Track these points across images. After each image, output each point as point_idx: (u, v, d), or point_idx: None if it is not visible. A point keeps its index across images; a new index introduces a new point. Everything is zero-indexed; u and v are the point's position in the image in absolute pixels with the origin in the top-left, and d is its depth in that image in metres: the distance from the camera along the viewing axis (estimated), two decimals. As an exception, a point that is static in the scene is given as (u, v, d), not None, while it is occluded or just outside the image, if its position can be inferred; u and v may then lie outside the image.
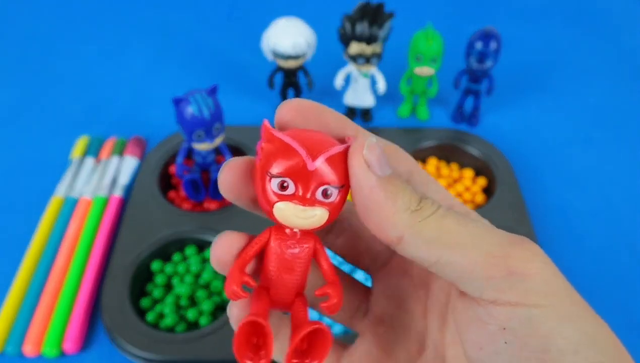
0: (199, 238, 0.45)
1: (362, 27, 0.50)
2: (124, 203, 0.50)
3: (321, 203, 0.18)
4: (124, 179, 0.52)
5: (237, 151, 0.52)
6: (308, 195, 0.18)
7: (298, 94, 0.59)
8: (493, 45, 0.52)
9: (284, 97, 0.58)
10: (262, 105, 0.61)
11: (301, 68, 0.55)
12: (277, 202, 0.18)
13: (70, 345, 0.40)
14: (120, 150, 0.54)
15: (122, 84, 0.64)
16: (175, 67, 0.67)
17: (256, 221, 0.48)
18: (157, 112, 0.60)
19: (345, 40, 0.51)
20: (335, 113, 0.19)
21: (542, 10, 0.78)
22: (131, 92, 0.63)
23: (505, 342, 0.16)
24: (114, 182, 0.52)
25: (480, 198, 0.50)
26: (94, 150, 0.54)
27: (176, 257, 0.45)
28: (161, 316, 0.41)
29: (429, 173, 0.51)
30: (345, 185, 0.19)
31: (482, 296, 0.16)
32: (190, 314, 0.41)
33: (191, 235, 0.45)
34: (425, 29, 0.52)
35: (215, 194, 0.49)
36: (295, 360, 0.19)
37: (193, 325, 0.41)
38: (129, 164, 0.53)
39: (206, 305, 0.41)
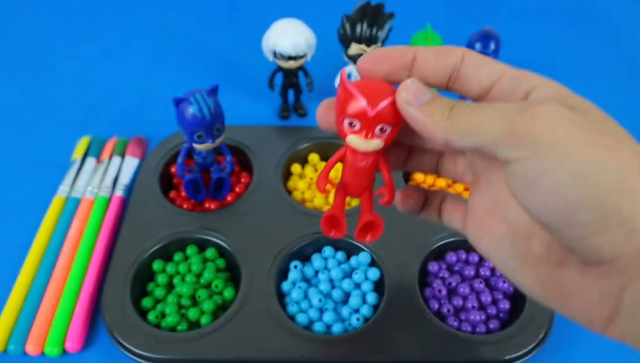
0: (199, 238, 0.45)
1: (361, 28, 0.50)
2: (125, 203, 0.50)
3: (379, 137, 0.26)
4: (125, 179, 0.52)
5: (237, 151, 0.52)
6: (369, 133, 0.26)
7: (298, 94, 0.59)
8: (492, 45, 0.52)
9: (284, 97, 0.59)
10: (263, 105, 0.61)
11: (301, 68, 0.56)
12: (349, 135, 0.26)
13: (72, 344, 0.40)
14: (121, 150, 0.55)
15: (123, 84, 0.65)
16: (175, 67, 0.67)
17: (256, 221, 0.48)
18: (157, 112, 0.61)
19: (345, 41, 0.52)
20: (396, 60, 0.26)
21: (541, 11, 0.78)
22: (132, 92, 0.64)
23: (525, 186, 0.21)
24: (115, 182, 0.52)
25: (479, 198, 0.50)
26: (95, 150, 0.55)
27: (177, 256, 0.45)
28: (162, 315, 0.41)
29: (429, 174, 0.51)
30: (397, 123, 0.26)
31: (508, 159, 0.21)
32: (192, 314, 0.41)
33: (192, 235, 0.45)
34: (424, 29, 0.53)
35: (216, 194, 0.49)
36: (361, 235, 0.31)
37: (194, 325, 0.41)
38: (130, 164, 0.53)
39: (207, 305, 0.41)
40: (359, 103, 0.26)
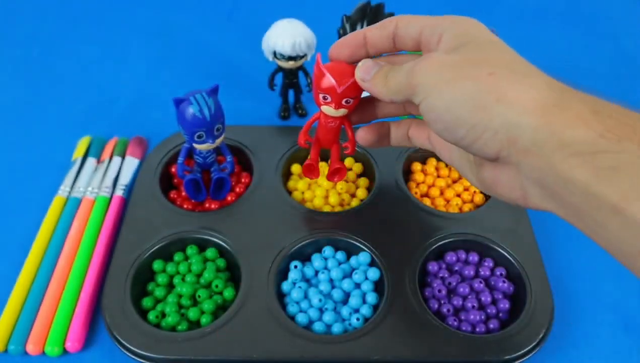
0: (199, 238, 0.45)
1: (361, 28, 0.50)
2: (125, 203, 0.51)
3: (344, 106, 0.38)
4: (126, 179, 0.52)
5: (238, 151, 0.52)
6: (337, 105, 0.37)
7: (298, 94, 0.59)
8: (492, 46, 0.52)
9: (284, 97, 0.59)
10: (263, 105, 0.61)
11: (301, 69, 0.56)
12: (322, 105, 0.38)
13: (72, 343, 0.40)
14: (121, 151, 0.55)
15: (123, 85, 0.65)
16: (176, 67, 0.67)
17: (256, 221, 0.48)
18: (158, 113, 0.61)
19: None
20: (352, 43, 0.36)
21: (540, 12, 0.78)
22: (132, 93, 0.64)
23: (427, 118, 0.30)
24: (115, 182, 0.52)
25: (479, 198, 0.50)
26: (95, 150, 0.55)
27: (177, 256, 0.45)
28: (163, 315, 0.41)
29: (429, 173, 0.52)
30: (357, 96, 0.38)
31: (416, 103, 0.30)
32: (192, 313, 0.41)
33: (192, 235, 0.45)
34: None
35: (216, 194, 0.49)
36: (331, 178, 0.44)
37: (194, 325, 0.41)
38: (131, 164, 0.53)
39: (207, 305, 0.41)
40: (330, 82, 0.36)
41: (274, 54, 0.53)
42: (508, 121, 0.26)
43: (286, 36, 0.51)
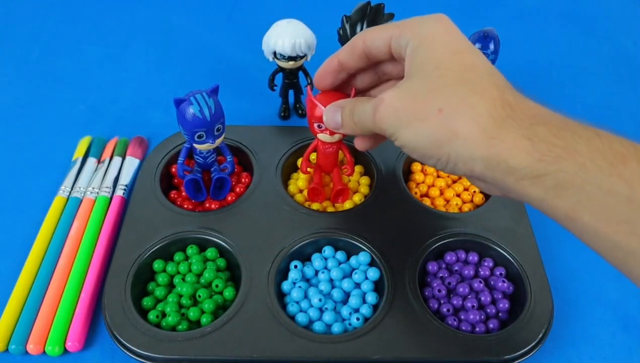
0: (200, 237, 0.45)
1: (361, 29, 0.50)
2: (126, 203, 0.51)
3: (338, 133, 0.41)
4: (126, 179, 0.52)
5: (238, 151, 0.52)
6: (331, 131, 0.41)
7: (298, 95, 0.59)
8: (491, 46, 0.52)
9: (284, 98, 0.59)
10: (263, 105, 0.61)
11: (301, 69, 0.56)
12: (318, 133, 0.43)
13: (72, 343, 0.40)
14: (122, 151, 0.55)
15: (124, 85, 0.65)
16: (176, 67, 0.67)
17: (256, 221, 0.48)
18: (158, 113, 0.61)
19: (345, 41, 0.52)
20: (329, 71, 0.39)
21: (540, 12, 0.78)
22: (133, 93, 0.64)
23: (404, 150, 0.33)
24: (116, 182, 0.52)
25: (479, 198, 0.50)
26: (96, 150, 0.55)
27: (177, 256, 0.45)
28: (163, 315, 0.41)
29: (429, 173, 0.52)
30: None
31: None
32: (192, 313, 0.41)
33: (192, 235, 0.45)
34: (424, 30, 0.53)
35: (216, 194, 0.49)
36: (335, 200, 0.48)
37: (195, 324, 0.42)
38: (131, 164, 0.53)
39: (208, 304, 0.41)
40: (322, 111, 0.39)
41: (274, 54, 0.53)
42: (463, 155, 0.29)
43: (286, 36, 0.51)
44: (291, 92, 0.59)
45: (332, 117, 0.37)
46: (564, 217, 0.27)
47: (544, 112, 0.29)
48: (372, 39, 0.35)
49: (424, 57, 0.31)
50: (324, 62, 0.38)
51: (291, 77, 0.56)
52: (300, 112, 0.60)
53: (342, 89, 0.41)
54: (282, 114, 0.60)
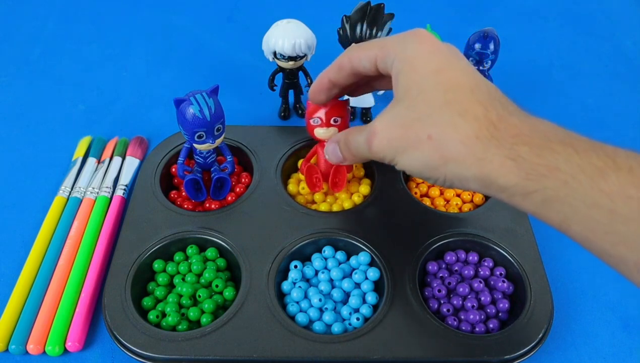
0: (200, 237, 0.45)
1: (361, 29, 0.50)
2: (126, 203, 0.51)
3: (334, 125, 0.45)
4: (126, 179, 0.52)
5: (238, 151, 0.52)
6: (327, 124, 0.45)
7: (298, 95, 0.59)
8: (491, 46, 0.52)
9: (284, 98, 0.59)
10: (263, 105, 0.61)
11: (301, 69, 0.56)
12: (315, 128, 0.45)
13: (72, 343, 0.40)
14: (122, 151, 0.55)
15: (124, 85, 0.65)
16: (176, 67, 0.68)
17: (256, 221, 0.48)
18: (158, 113, 0.61)
19: (345, 42, 0.52)
20: (322, 89, 0.41)
21: (540, 12, 0.78)
22: (133, 93, 0.64)
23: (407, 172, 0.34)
24: (116, 182, 0.52)
25: (479, 198, 0.50)
26: (96, 150, 0.55)
27: (178, 256, 0.45)
28: (163, 315, 0.41)
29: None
30: (343, 117, 0.45)
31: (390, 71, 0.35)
32: (192, 313, 0.41)
33: (192, 235, 0.45)
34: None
35: (216, 194, 0.49)
36: (332, 186, 0.48)
37: (195, 324, 0.42)
38: (131, 164, 0.53)
39: (208, 305, 0.41)
40: (319, 106, 0.44)
41: (274, 54, 0.53)
42: (457, 176, 0.31)
43: (286, 37, 0.51)
44: (291, 92, 0.59)
45: (333, 153, 0.39)
46: (558, 227, 0.29)
47: (526, 128, 0.29)
48: (358, 58, 0.36)
49: (408, 81, 0.32)
50: (316, 79, 0.40)
51: (291, 77, 0.56)
52: (300, 112, 0.60)
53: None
54: (282, 114, 0.60)
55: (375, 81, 0.40)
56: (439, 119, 0.30)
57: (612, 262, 0.29)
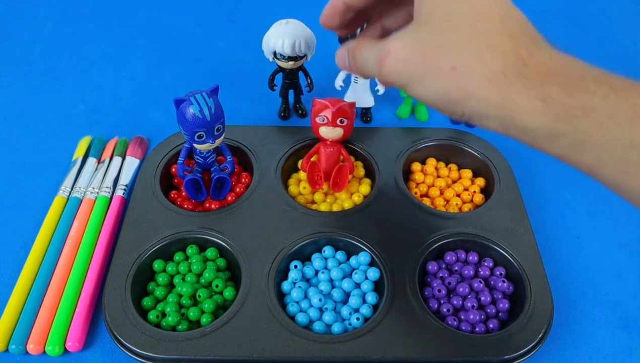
0: (200, 237, 0.45)
1: (361, 29, 0.50)
2: (126, 203, 0.51)
3: (340, 126, 0.47)
4: (126, 179, 0.52)
5: (238, 151, 0.52)
6: (333, 123, 0.46)
7: (298, 95, 0.59)
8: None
9: (284, 98, 0.59)
10: (263, 105, 0.61)
11: (301, 69, 0.56)
12: (321, 127, 0.47)
13: (73, 343, 0.40)
14: (122, 151, 0.55)
15: (124, 85, 0.65)
16: (176, 67, 0.68)
17: (256, 221, 0.48)
18: (158, 113, 0.61)
19: (345, 42, 0.52)
20: (336, 11, 0.37)
21: (540, 12, 0.78)
22: (133, 93, 0.64)
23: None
24: (116, 182, 0.52)
25: (478, 198, 0.50)
26: (96, 150, 0.55)
27: (178, 256, 0.45)
28: (163, 315, 0.41)
29: (429, 173, 0.52)
30: (350, 118, 0.47)
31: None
32: (192, 313, 0.41)
33: (192, 235, 0.45)
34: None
35: (216, 194, 0.49)
36: (333, 186, 0.48)
37: (195, 324, 0.42)
38: (131, 164, 0.53)
39: (208, 305, 0.41)
40: (325, 104, 0.46)
41: (274, 54, 0.53)
42: (477, 113, 0.29)
43: (286, 36, 0.51)
44: (291, 92, 0.59)
45: (342, 58, 0.36)
46: (586, 171, 0.28)
47: (558, 67, 0.28)
48: None
49: (435, 2, 0.30)
50: (328, 3, 0.36)
51: (291, 77, 0.56)
52: (300, 112, 0.60)
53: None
54: (282, 114, 0.60)
55: (389, 13, 0.37)
56: (466, 50, 0.28)
57: None
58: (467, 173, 0.52)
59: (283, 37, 0.51)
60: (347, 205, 0.48)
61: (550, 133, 0.27)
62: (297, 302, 0.42)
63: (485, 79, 0.28)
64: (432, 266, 0.44)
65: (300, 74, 0.56)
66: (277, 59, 0.54)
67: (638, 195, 0.26)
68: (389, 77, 0.31)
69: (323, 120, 0.46)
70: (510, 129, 0.28)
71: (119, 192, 0.51)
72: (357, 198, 0.49)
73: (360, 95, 0.57)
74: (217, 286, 0.43)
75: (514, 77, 0.27)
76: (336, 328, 0.41)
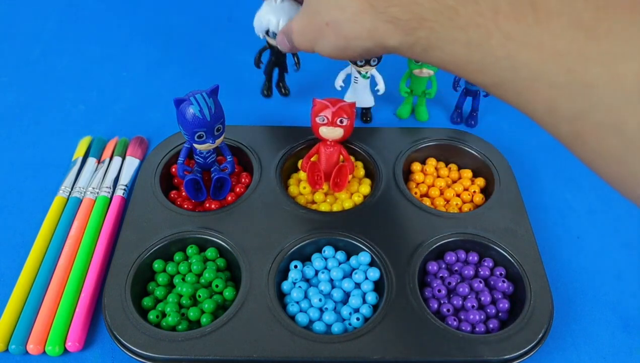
0: (200, 237, 0.45)
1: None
2: (126, 203, 0.51)
3: (340, 126, 0.47)
4: (126, 179, 0.52)
5: (238, 151, 0.52)
6: (332, 123, 0.47)
7: (283, 73, 0.59)
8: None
9: (268, 75, 0.59)
10: (263, 105, 0.61)
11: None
12: (321, 127, 0.47)
13: (72, 343, 0.40)
14: (122, 151, 0.55)
15: (124, 85, 0.65)
16: (176, 67, 0.68)
17: (256, 221, 0.48)
18: (158, 113, 0.61)
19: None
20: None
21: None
22: (133, 93, 0.64)
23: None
24: (116, 182, 0.52)
25: (479, 198, 0.50)
26: (96, 150, 0.55)
27: (177, 256, 0.45)
28: (163, 315, 0.41)
29: (429, 173, 0.52)
30: (350, 118, 0.47)
31: None
32: (192, 313, 0.41)
33: (192, 235, 0.45)
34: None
35: (216, 194, 0.49)
36: (334, 187, 0.48)
37: (195, 324, 0.42)
38: (131, 164, 0.53)
39: (208, 305, 0.41)
40: (325, 104, 0.47)
41: (267, 32, 0.53)
42: (363, 49, 0.34)
43: (281, 15, 0.51)
44: (276, 71, 0.59)
45: (282, 43, 0.44)
46: (443, 69, 0.32)
47: None
48: None
49: None
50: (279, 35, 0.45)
51: (279, 56, 0.57)
52: (283, 91, 0.60)
53: None
54: (265, 92, 0.60)
55: None
56: (328, 6, 0.34)
57: (488, 84, 0.30)
58: (467, 173, 0.52)
59: (278, 15, 0.51)
60: (347, 205, 0.48)
61: (407, 45, 0.32)
62: (297, 302, 0.42)
63: (351, 23, 0.33)
64: (432, 266, 0.44)
65: (289, 53, 0.56)
66: (269, 36, 0.53)
67: (472, 79, 0.30)
68: (300, 47, 0.40)
69: (323, 120, 0.46)
70: (389, 51, 0.33)
71: (119, 192, 0.51)
72: (357, 198, 0.49)
73: (360, 95, 0.57)
74: (217, 286, 0.43)
75: (369, 11, 0.32)
76: (336, 328, 0.41)
